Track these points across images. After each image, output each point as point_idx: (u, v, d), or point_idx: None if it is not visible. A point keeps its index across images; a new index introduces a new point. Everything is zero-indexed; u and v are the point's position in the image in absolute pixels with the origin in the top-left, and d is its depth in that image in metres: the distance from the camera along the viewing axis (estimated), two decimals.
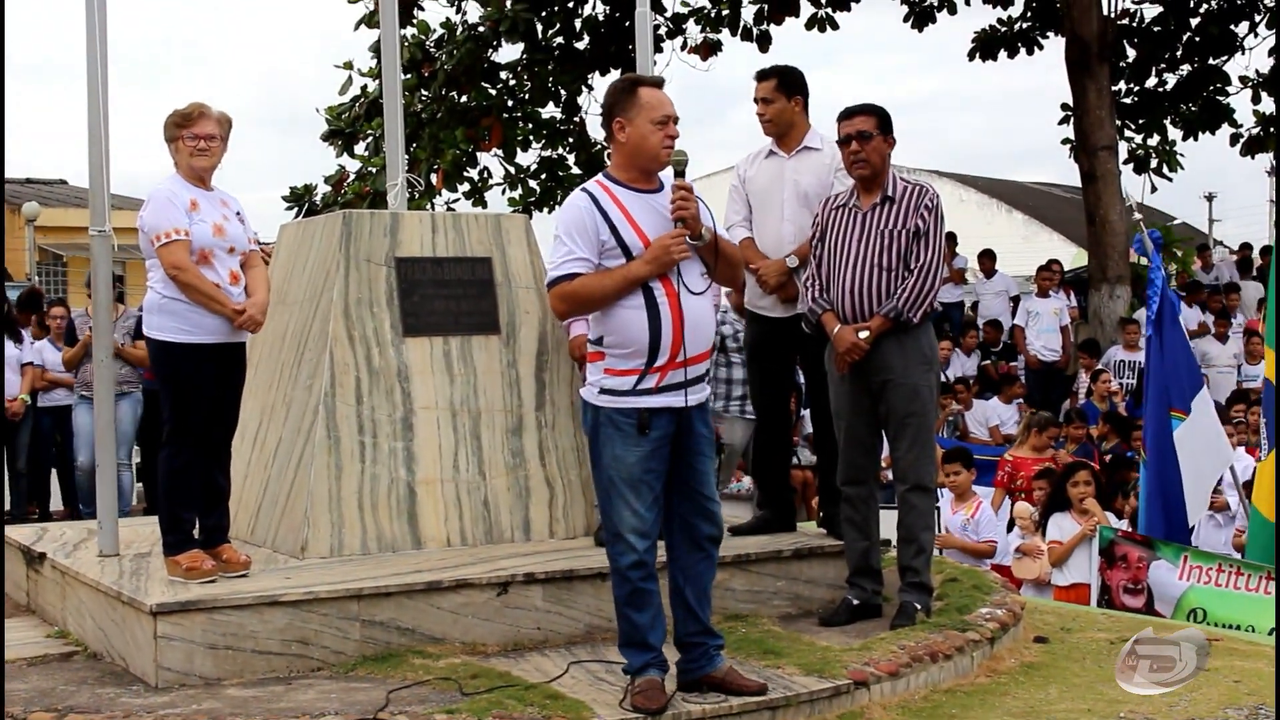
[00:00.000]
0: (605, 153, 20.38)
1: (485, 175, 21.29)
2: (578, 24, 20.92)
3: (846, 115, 7.16)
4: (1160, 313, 11.08)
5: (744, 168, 7.83)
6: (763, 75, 7.73)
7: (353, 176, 20.54)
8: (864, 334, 6.99)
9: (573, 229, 5.62)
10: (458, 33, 20.02)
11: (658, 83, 5.82)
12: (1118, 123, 20.15)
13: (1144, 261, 22.96)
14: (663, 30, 20.71)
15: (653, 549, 5.70)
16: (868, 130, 7.07)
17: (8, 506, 11.67)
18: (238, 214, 6.93)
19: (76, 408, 13.24)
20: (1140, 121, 21.83)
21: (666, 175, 5.82)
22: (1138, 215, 11.94)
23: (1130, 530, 10.66)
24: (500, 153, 20.94)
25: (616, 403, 5.63)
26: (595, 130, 21.45)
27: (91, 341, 12.38)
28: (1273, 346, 10.38)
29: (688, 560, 5.83)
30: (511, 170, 21.41)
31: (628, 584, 5.69)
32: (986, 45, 22.03)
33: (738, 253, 6.13)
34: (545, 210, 21.48)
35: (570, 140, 21.59)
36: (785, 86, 7.65)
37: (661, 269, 5.60)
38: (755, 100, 7.70)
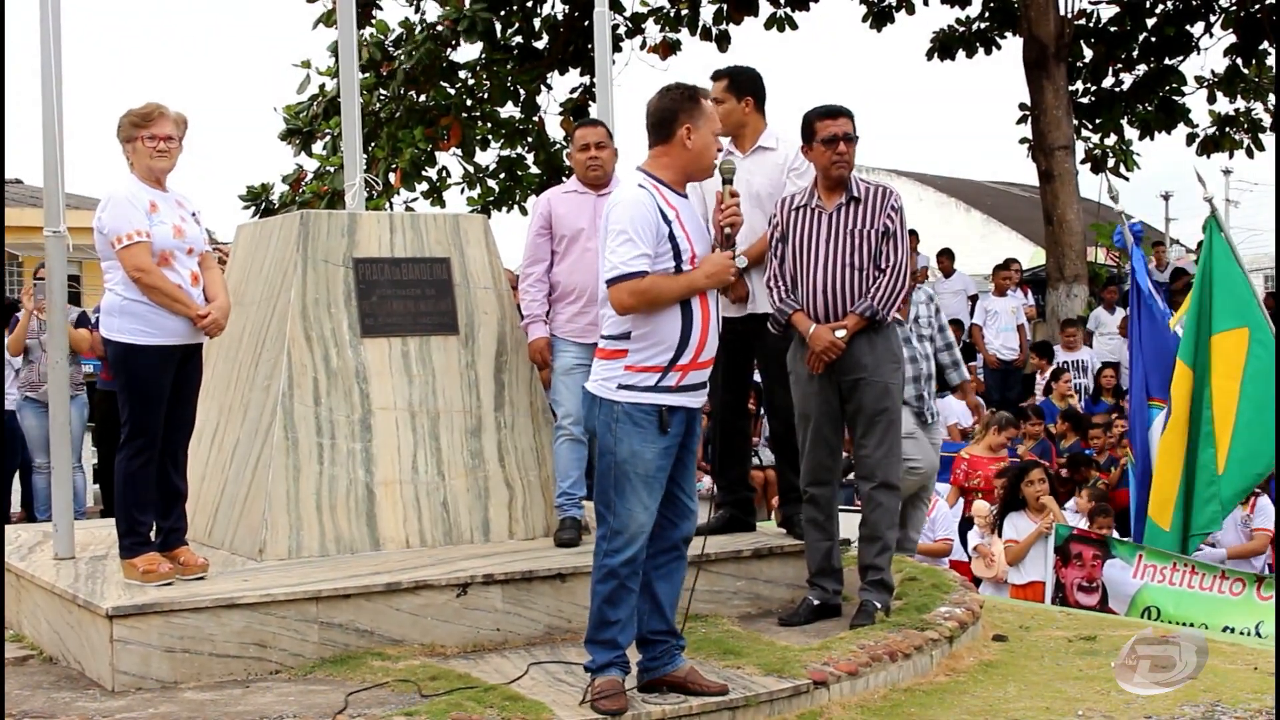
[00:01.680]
0: (563, 152, 20.44)
1: (444, 175, 21.26)
2: (537, 23, 20.91)
3: (831, 115, 7.15)
4: (1139, 304, 11.11)
5: None
6: (716, 76, 7.72)
7: (310, 176, 20.46)
8: (841, 333, 7.02)
9: (640, 226, 5.66)
10: (416, 32, 19.97)
11: (709, 95, 6.00)
12: (1075, 122, 20.26)
13: (1103, 260, 23.15)
14: (622, 30, 20.74)
15: (645, 547, 5.71)
16: (852, 134, 7.12)
17: None
18: (194, 215, 6.89)
19: (21, 410, 13.15)
20: (1097, 121, 21.96)
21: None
22: (1119, 207, 11.82)
23: (1084, 529, 10.71)
24: (459, 152, 20.91)
25: (638, 398, 5.65)
26: (554, 130, 21.47)
27: (30, 319, 12.45)
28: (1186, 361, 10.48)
29: (663, 559, 5.85)
30: (470, 170, 21.38)
31: (614, 580, 5.67)
32: (945, 45, 22.13)
33: None
34: (504, 210, 21.47)
35: (529, 140, 21.57)
36: (735, 87, 7.63)
37: (718, 285, 5.81)
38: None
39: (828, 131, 7.10)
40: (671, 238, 5.68)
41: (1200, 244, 11.24)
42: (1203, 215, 10.88)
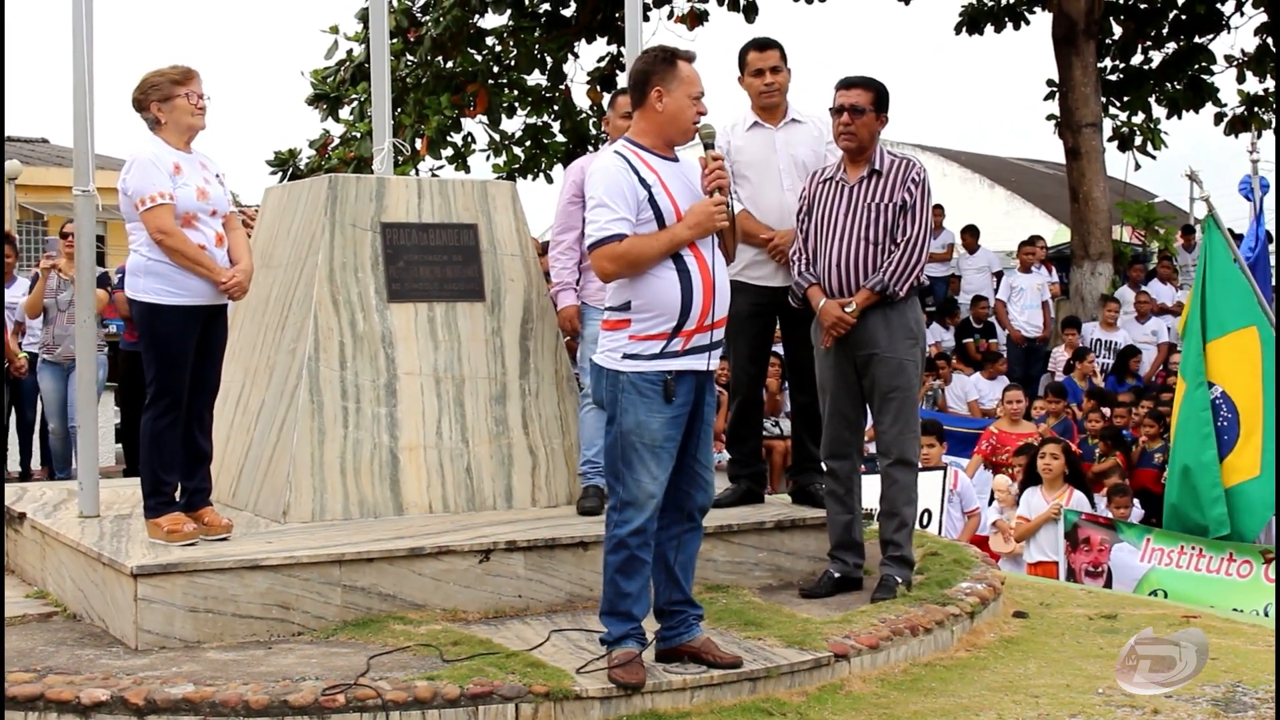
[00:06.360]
0: (590, 121, 20.38)
1: (469, 141, 21.24)
2: None
3: (845, 85, 7.14)
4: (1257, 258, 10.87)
5: (725, 138, 7.71)
6: (767, 44, 7.68)
7: (337, 141, 20.45)
8: (849, 308, 7.00)
9: (612, 191, 5.62)
10: None
11: (691, 57, 5.85)
12: (1102, 100, 20.15)
13: (1128, 238, 22.99)
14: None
15: (655, 518, 5.70)
16: (861, 105, 7.06)
17: None
18: (217, 176, 6.89)
19: (40, 371, 13.02)
20: (1125, 99, 21.84)
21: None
22: (1255, 155, 11.54)
23: (1094, 513, 10.67)
24: (485, 119, 20.87)
25: (642, 367, 5.63)
26: (580, 98, 21.43)
27: (49, 279, 12.40)
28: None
29: (677, 529, 5.83)
30: (496, 137, 21.35)
31: (624, 550, 5.67)
32: (973, 19, 21.99)
33: (738, 225, 6.05)
34: (529, 177, 21.44)
35: (555, 108, 21.53)
36: (785, 57, 7.66)
37: (703, 234, 5.68)
38: (760, 70, 7.62)
39: (836, 102, 7.12)
40: (652, 201, 5.63)
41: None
42: (1229, 196, 10.78)
